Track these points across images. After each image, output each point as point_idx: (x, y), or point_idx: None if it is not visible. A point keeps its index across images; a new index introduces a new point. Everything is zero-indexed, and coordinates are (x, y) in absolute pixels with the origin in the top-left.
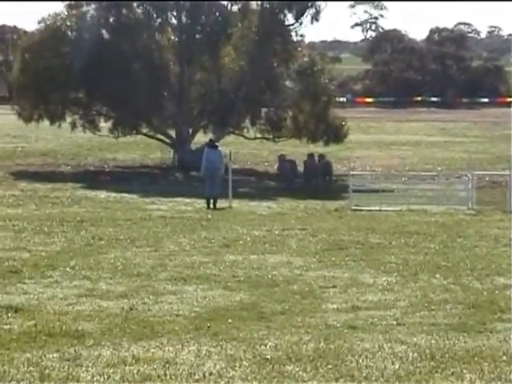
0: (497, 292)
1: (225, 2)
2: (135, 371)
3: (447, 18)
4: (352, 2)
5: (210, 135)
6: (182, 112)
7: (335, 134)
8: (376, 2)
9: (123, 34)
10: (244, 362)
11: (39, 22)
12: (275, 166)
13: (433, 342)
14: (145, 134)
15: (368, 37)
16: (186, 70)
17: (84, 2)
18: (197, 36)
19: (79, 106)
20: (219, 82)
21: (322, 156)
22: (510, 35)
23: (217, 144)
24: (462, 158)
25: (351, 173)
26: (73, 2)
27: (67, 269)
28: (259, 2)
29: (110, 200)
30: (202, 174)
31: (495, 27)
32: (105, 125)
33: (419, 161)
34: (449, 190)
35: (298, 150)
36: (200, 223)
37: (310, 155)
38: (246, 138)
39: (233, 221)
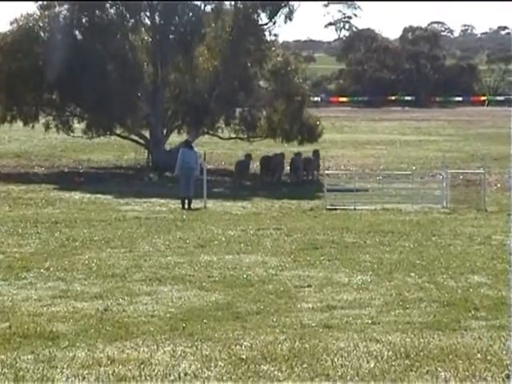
0: (471, 290)
1: (198, 2)
2: (110, 372)
3: (421, 16)
4: (325, 2)
5: (185, 135)
6: (156, 112)
7: (309, 134)
8: (349, 2)
9: (96, 34)
10: (219, 362)
11: (11, 23)
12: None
13: (407, 340)
14: (119, 135)
15: (342, 36)
16: (160, 71)
17: (56, 3)
18: (170, 36)
19: (53, 107)
20: (193, 83)
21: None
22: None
23: (192, 144)
24: (436, 157)
25: (326, 172)
26: (45, 3)
27: (41, 270)
28: (232, 2)
29: (85, 201)
30: (176, 174)
31: (468, 26)
32: (78, 126)
33: (393, 160)
34: (423, 189)
35: (272, 150)
36: (175, 224)
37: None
38: (221, 138)
39: (208, 221)
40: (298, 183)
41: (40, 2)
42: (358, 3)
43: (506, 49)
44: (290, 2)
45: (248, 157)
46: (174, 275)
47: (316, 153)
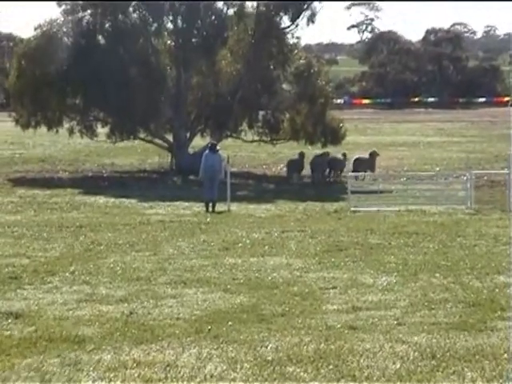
0: (497, 290)
1: (220, 6)
2: (136, 375)
3: (443, 18)
4: (348, 4)
5: (208, 139)
6: (180, 116)
7: (333, 136)
8: (371, 4)
9: (119, 39)
10: (245, 364)
11: (35, 29)
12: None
13: (433, 341)
14: (142, 139)
15: (364, 38)
16: (183, 74)
17: (80, 8)
18: (193, 40)
19: (76, 112)
20: (216, 86)
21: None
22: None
23: (218, 147)
24: (459, 158)
25: (350, 174)
26: (68, 7)
27: (67, 274)
28: (255, 5)
29: (109, 205)
30: (201, 177)
31: (491, 27)
32: (102, 130)
33: (417, 161)
34: (447, 190)
35: (295, 153)
36: (199, 227)
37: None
38: (244, 140)
39: (232, 224)
40: (321, 184)
41: (63, 7)
42: (380, 5)
43: None
44: (313, 5)
45: (301, 155)
46: (199, 278)
47: (344, 155)
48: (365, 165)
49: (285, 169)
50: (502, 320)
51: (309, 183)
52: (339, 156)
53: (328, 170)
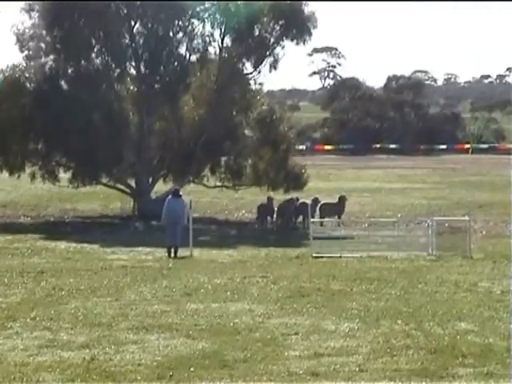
0: (458, 337)
1: (183, 52)
2: None
3: (404, 65)
4: (310, 51)
5: (170, 184)
6: (142, 161)
7: (295, 182)
8: (334, 51)
9: (82, 84)
10: None
11: None
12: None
13: None
14: (105, 184)
15: (326, 85)
16: (146, 120)
17: (43, 53)
18: (156, 86)
19: (38, 157)
20: (179, 131)
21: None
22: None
23: (180, 193)
24: (421, 204)
25: (312, 220)
26: (31, 53)
27: (28, 320)
28: (217, 51)
29: (71, 250)
30: (163, 223)
31: (452, 74)
32: (64, 175)
33: (379, 207)
34: (409, 236)
35: (257, 199)
36: (161, 272)
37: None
38: (206, 186)
39: (194, 269)
40: (288, 229)
41: (26, 53)
42: (342, 52)
43: (488, 97)
44: (275, 51)
45: (270, 200)
46: (161, 324)
47: (316, 200)
48: (333, 209)
49: (247, 214)
50: (463, 367)
51: (277, 227)
52: (308, 201)
53: (295, 216)
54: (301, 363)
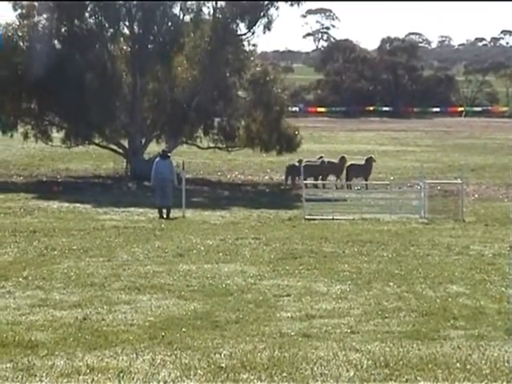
0: (450, 300)
1: (176, 12)
2: (89, 380)
3: (398, 27)
4: (304, 12)
5: (163, 145)
6: (135, 122)
7: (288, 144)
8: (328, 12)
9: (75, 44)
10: (199, 371)
11: None
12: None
13: (387, 349)
14: (97, 144)
15: (320, 47)
16: (139, 80)
17: (35, 12)
18: (149, 46)
19: (31, 117)
20: (172, 92)
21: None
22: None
23: (168, 154)
24: (414, 167)
25: (304, 182)
26: (24, 11)
27: (20, 279)
28: (211, 12)
29: (63, 210)
30: (152, 184)
31: (446, 37)
32: (57, 135)
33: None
34: (401, 199)
35: (250, 160)
36: (153, 233)
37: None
38: (199, 147)
39: (186, 230)
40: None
41: (19, 11)
42: (337, 14)
43: (482, 60)
44: (269, 12)
45: (300, 161)
46: (153, 284)
47: (369, 160)
48: (360, 170)
49: (240, 176)
50: (455, 329)
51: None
52: (335, 161)
53: (324, 176)
54: (292, 325)
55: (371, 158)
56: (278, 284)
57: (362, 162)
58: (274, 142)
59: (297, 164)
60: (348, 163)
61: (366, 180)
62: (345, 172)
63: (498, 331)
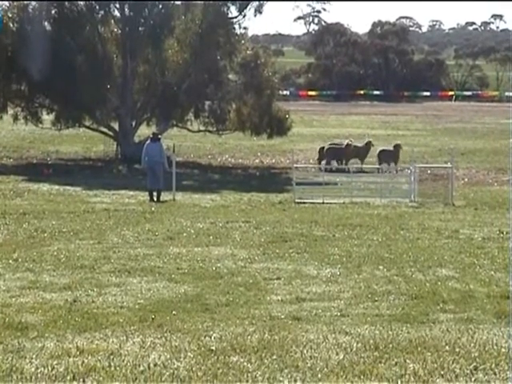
0: (439, 283)
1: None
2: (79, 363)
3: (389, 11)
4: None
5: (154, 128)
6: (126, 105)
7: (279, 127)
8: None
9: (66, 26)
10: (189, 354)
11: None
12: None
13: (376, 332)
14: (88, 127)
15: (311, 30)
16: (130, 63)
17: None
18: (140, 29)
19: (21, 99)
20: (163, 75)
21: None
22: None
23: (159, 137)
24: (404, 151)
25: (294, 166)
26: None
27: (10, 261)
28: None
29: (53, 193)
30: (143, 167)
31: (436, 21)
32: (47, 117)
33: None
34: (391, 183)
35: (241, 143)
36: (143, 216)
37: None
38: (190, 130)
39: (176, 213)
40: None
41: None
42: None
43: (473, 44)
44: None
45: (331, 145)
46: (143, 267)
47: (397, 146)
48: (391, 156)
49: (230, 159)
50: (444, 312)
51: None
52: (360, 145)
53: (348, 159)
54: (283, 308)
55: (399, 144)
56: (268, 267)
57: (391, 148)
58: (264, 126)
59: (323, 146)
60: (379, 149)
61: (396, 165)
62: (376, 157)
63: (486, 314)
